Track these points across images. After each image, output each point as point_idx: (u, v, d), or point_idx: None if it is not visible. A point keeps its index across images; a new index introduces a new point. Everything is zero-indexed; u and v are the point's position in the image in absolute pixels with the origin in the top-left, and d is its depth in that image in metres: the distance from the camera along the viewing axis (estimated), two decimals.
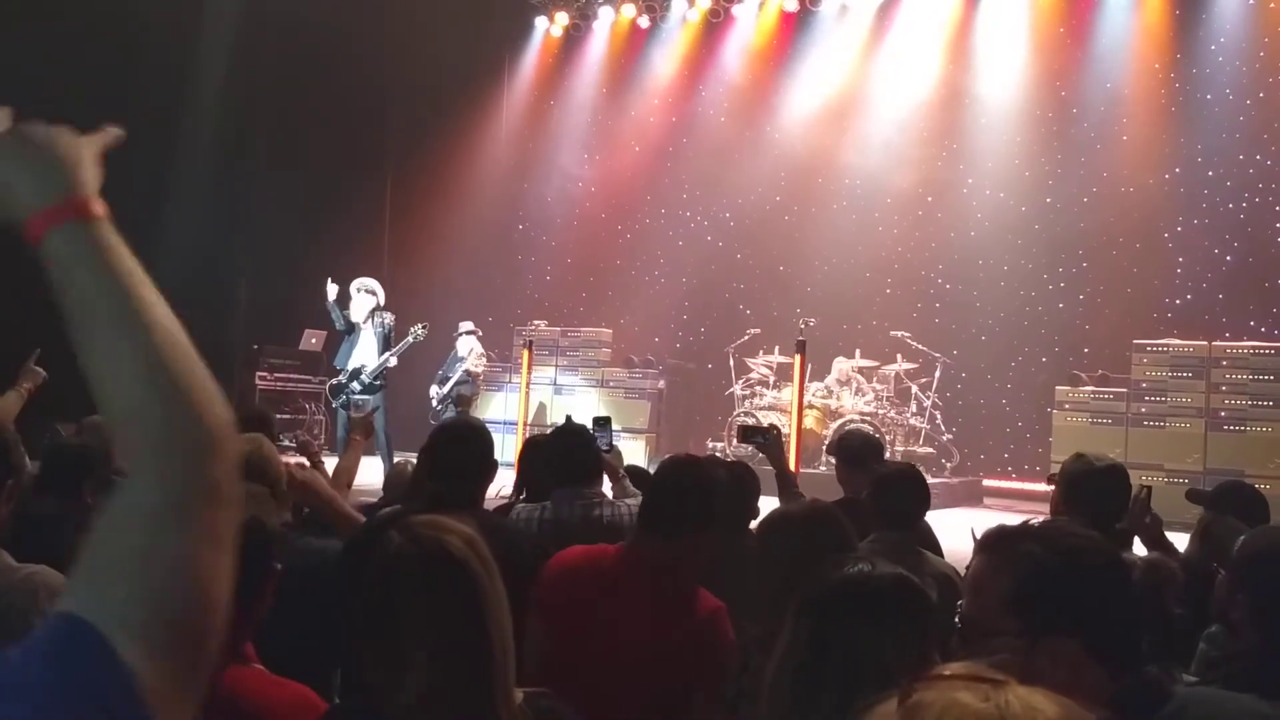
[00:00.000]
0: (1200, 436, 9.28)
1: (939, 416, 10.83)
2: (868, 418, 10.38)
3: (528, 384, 10.20)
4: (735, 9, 13.33)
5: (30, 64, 9.18)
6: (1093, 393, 9.90)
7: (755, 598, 2.29)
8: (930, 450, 10.77)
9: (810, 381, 9.98)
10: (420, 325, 9.83)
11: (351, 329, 9.66)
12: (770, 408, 10.75)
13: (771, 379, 11.08)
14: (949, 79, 12.09)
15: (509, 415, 11.45)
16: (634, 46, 13.93)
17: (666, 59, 13.76)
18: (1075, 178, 11.31)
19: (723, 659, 2.42)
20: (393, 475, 4.55)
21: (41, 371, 4.12)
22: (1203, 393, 9.35)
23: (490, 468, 2.99)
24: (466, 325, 10.67)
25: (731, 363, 11.35)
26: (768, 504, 3.53)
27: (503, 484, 4.36)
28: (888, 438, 10.23)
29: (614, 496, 3.66)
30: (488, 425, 3.31)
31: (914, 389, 10.78)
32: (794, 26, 13.03)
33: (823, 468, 9.25)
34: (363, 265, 10.81)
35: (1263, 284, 10.29)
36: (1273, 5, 10.70)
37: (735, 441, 10.20)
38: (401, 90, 13.26)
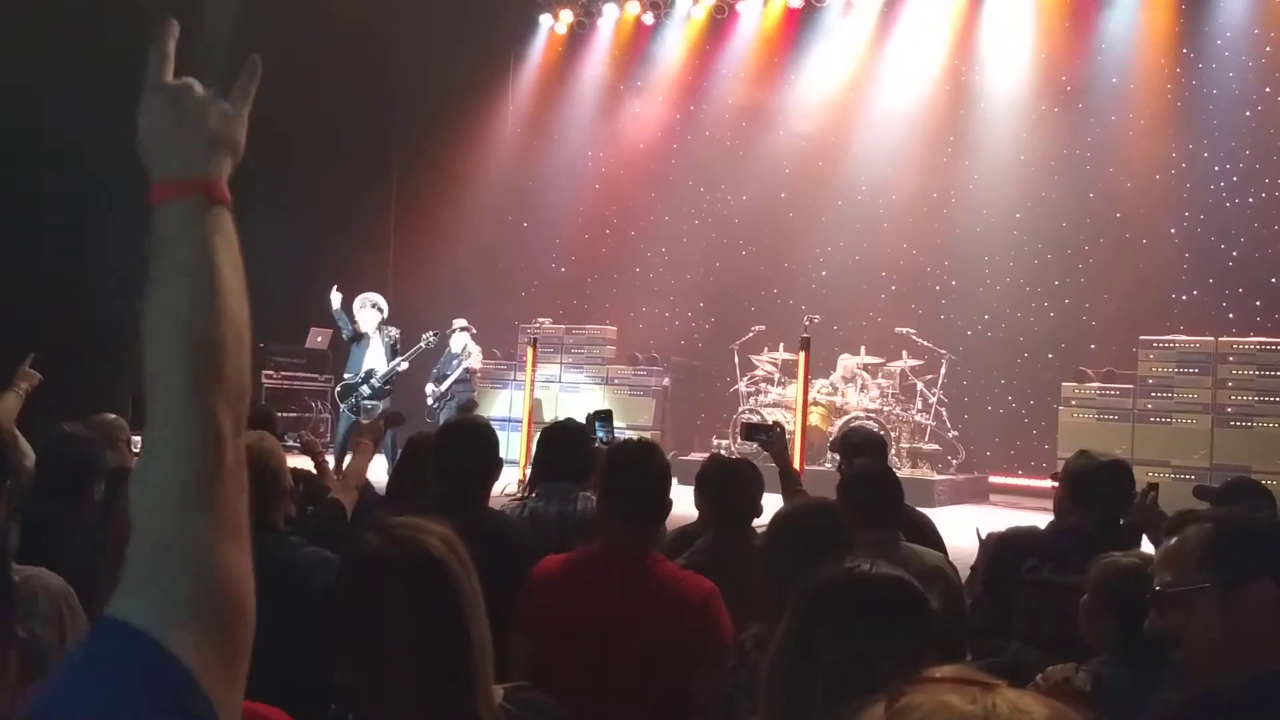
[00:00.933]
0: (1207, 432, 9.25)
1: (944, 413, 10.80)
2: (873, 414, 10.37)
3: (532, 381, 10.20)
4: (739, 6, 13.31)
5: (32, 64, 9.22)
6: (1099, 389, 9.87)
7: (758, 594, 2.29)
8: (936, 447, 10.75)
9: (815, 378, 9.97)
10: (431, 333, 10.00)
11: (359, 337, 9.73)
12: (775, 405, 10.75)
13: (776, 376, 11.08)
14: (954, 74, 12.06)
15: (513, 413, 11.46)
16: (638, 43, 13.93)
17: (671, 56, 13.76)
18: (1081, 173, 11.27)
19: (722, 639, 2.42)
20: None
21: (37, 374, 4.15)
22: (1209, 389, 9.32)
23: (494, 467, 2.99)
24: (460, 322, 10.60)
25: (736, 360, 11.34)
26: (771, 501, 3.53)
27: (507, 482, 4.36)
28: (893, 434, 10.22)
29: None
30: (491, 423, 3.31)
31: (919, 385, 10.77)
32: (798, 22, 13.01)
33: (827, 465, 9.24)
34: (369, 263, 10.85)
35: (1269, 279, 10.26)
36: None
37: (739, 439, 10.20)
38: (407, 88, 13.27)
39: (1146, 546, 3.26)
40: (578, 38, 14.27)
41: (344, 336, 9.95)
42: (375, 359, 9.69)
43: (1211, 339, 9.49)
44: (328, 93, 12.18)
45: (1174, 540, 1.65)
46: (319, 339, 12.60)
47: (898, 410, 10.67)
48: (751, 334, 11.22)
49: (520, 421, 10.44)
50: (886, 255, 12.01)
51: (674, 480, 2.68)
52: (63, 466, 3.06)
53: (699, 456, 11.29)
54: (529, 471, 4.20)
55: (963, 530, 4.41)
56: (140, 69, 0.92)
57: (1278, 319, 10.05)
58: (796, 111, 12.76)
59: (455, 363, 10.39)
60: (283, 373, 12.43)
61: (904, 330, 10.74)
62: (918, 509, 3.94)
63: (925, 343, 10.72)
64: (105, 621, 0.77)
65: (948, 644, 2.52)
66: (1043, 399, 10.97)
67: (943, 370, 10.71)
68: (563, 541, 2.97)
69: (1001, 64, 11.84)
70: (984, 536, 3.38)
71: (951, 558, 3.44)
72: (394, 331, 9.92)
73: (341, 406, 9.84)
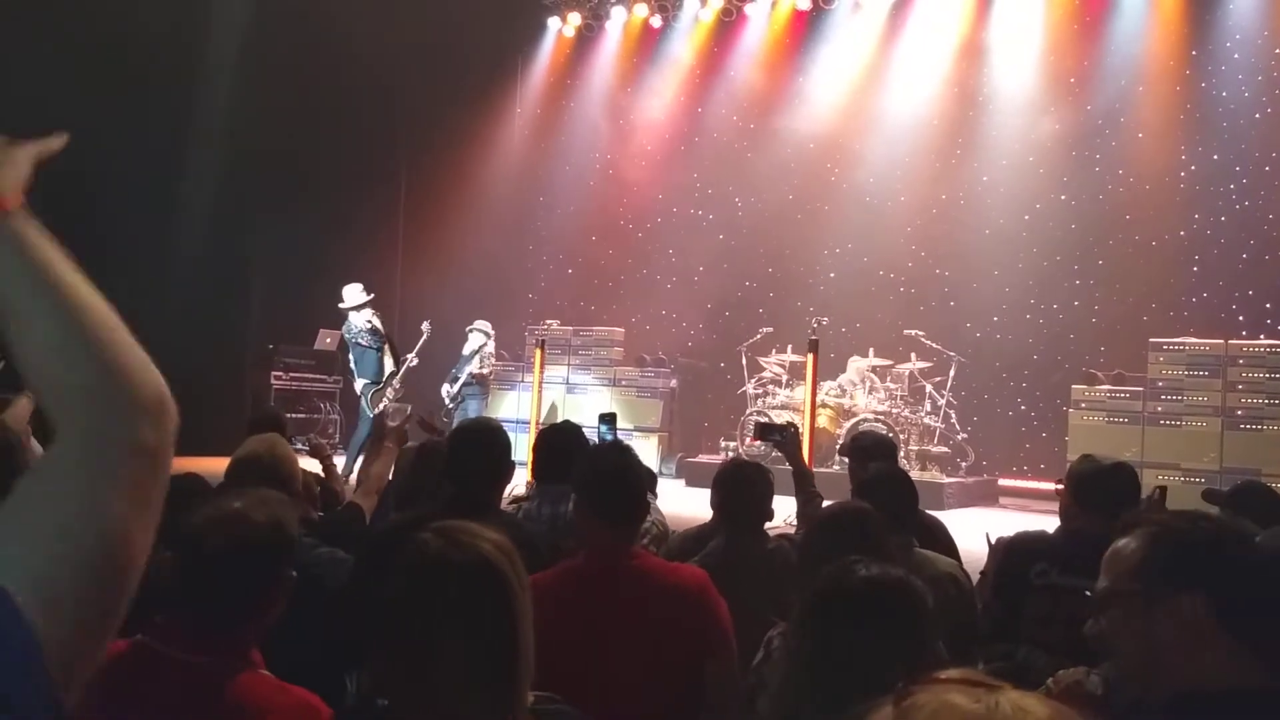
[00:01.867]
0: (1216, 435, 9.23)
1: (954, 415, 10.79)
2: (881, 416, 10.36)
3: (540, 383, 10.23)
4: (748, 8, 13.33)
5: (39, 68, 9.27)
6: (1109, 391, 9.84)
7: (791, 595, 2.32)
8: (945, 449, 10.74)
9: (823, 380, 9.97)
10: (425, 323, 10.03)
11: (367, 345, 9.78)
12: (783, 407, 10.74)
13: (784, 378, 11.08)
14: (962, 76, 12.05)
15: (521, 414, 11.49)
16: (646, 46, 13.95)
17: (679, 58, 13.77)
18: (1090, 175, 11.25)
19: (723, 624, 2.43)
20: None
21: None
22: (1219, 391, 9.29)
23: (507, 470, 3.00)
24: (482, 324, 10.65)
25: (744, 361, 11.35)
26: (783, 504, 3.54)
27: (515, 484, 4.38)
28: (902, 437, 10.22)
29: None
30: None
31: (928, 388, 10.75)
32: (806, 25, 13.01)
33: (836, 467, 9.24)
34: (377, 265, 10.87)
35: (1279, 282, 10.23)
36: None
37: (751, 440, 10.20)
38: (415, 90, 13.31)
39: None
40: (585, 40, 14.30)
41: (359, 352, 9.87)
42: (388, 361, 9.80)
43: (1221, 341, 9.46)
44: (336, 97, 12.23)
45: (1119, 543, 1.57)
46: (328, 340, 12.64)
47: (906, 413, 10.65)
48: (759, 336, 11.22)
49: (527, 423, 10.47)
50: (895, 257, 12.01)
51: (681, 482, 2.69)
52: None
53: (706, 458, 11.31)
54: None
55: (972, 533, 4.41)
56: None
57: None
58: (805, 113, 12.76)
59: (466, 364, 10.44)
60: (291, 374, 12.48)
61: (913, 332, 10.73)
62: (928, 512, 3.95)
63: (934, 345, 10.70)
64: None
65: (959, 649, 2.53)
66: (1052, 401, 10.95)
67: (952, 372, 10.69)
68: (555, 542, 2.98)
69: (1010, 65, 11.82)
70: (993, 541, 3.38)
71: (963, 562, 3.45)
72: (375, 319, 9.86)
73: (372, 411, 9.79)
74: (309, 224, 11.92)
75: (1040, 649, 2.83)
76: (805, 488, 3.91)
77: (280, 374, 12.35)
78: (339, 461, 8.64)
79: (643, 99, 13.93)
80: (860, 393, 10.77)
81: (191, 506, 1.87)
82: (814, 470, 7.48)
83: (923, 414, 10.74)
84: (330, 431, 12.31)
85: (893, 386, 10.79)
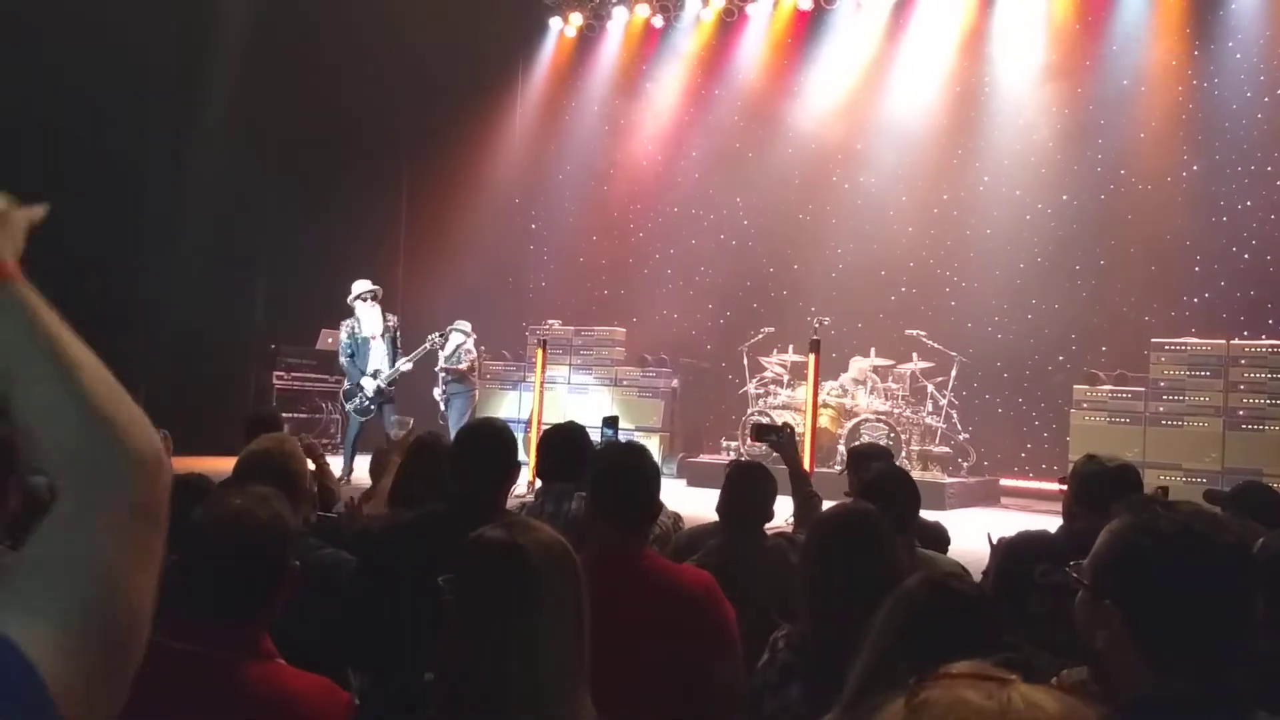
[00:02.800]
0: (1218, 436, 9.23)
1: (955, 415, 10.79)
2: (883, 416, 10.36)
3: (541, 383, 10.22)
4: (749, 8, 13.33)
5: (43, 69, 9.28)
6: (1111, 392, 9.84)
7: (794, 595, 2.34)
8: (946, 450, 10.73)
9: (824, 380, 9.96)
10: (437, 334, 9.99)
11: (364, 343, 9.64)
12: (784, 407, 10.74)
13: (785, 378, 11.07)
14: (964, 76, 12.05)
15: (522, 414, 11.49)
16: (648, 46, 13.95)
17: (680, 58, 13.77)
18: (1092, 175, 11.25)
19: (729, 625, 2.44)
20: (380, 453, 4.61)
21: None
22: (1221, 391, 9.29)
23: (512, 470, 2.99)
24: (461, 324, 10.42)
25: (745, 361, 11.35)
26: (781, 504, 3.55)
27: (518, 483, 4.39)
28: (903, 437, 10.22)
29: None
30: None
31: (930, 388, 10.75)
32: (808, 24, 13.01)
33: (837, 467, 9.24)
34: (379, 264, 10.86)
35: None
36: None
37: (749, 440, 10.20)
38: (416, 90, 13.31)
39: None
40: (587, 40, 14.30)
41: (348, 357, 9.74)
42: (379, 359, 9.61)
43: (1223, 342, 9.46)
44: (338, 97, 12.23)
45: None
46: (329, 340, 12.64)
47: (908, 413, 10.65)
48: (760, 336, 11.22)
49: (528, 423, 10.46)
50: (897, 257, 12.00)
51: (683, 482, 2.70)
52: None
53: (708, 458, 11.31)
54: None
55: (973, 534, 4.42)
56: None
57: None
58: (806, 113, 12.76)
59: (446, 364, 10.23)
60: (293, 374, 12.49)
61: (914, 332, 10.72)
62: (922, 514, 3.95)
63: (936, 345, 10.70)
64: None
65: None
66: (1054, 401, 10.95)
67: (953, 372, 10.68)
68: None
69: (1012, 66, 11.81)
70: (995, 541, 3.38)
71: (964, 562, 3.45)
72: (392, 319, 9.79)
73: (347, 408, 9.79)
74: (311, 225, 11.93)
75: (1044, 649, 2.83)
76: (802, 488, 3.92)
77: (282, 374, 12.36)
78: (336, 462, 8.65)
79: (644, 99, 13.94)
80: (862, 393, 10.77)
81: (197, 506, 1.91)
82: (815, 471, 7.50)
83: (924, 414, 10.74)
84: (332, 431, 12.32)
85: (894, 386, 10.78)
